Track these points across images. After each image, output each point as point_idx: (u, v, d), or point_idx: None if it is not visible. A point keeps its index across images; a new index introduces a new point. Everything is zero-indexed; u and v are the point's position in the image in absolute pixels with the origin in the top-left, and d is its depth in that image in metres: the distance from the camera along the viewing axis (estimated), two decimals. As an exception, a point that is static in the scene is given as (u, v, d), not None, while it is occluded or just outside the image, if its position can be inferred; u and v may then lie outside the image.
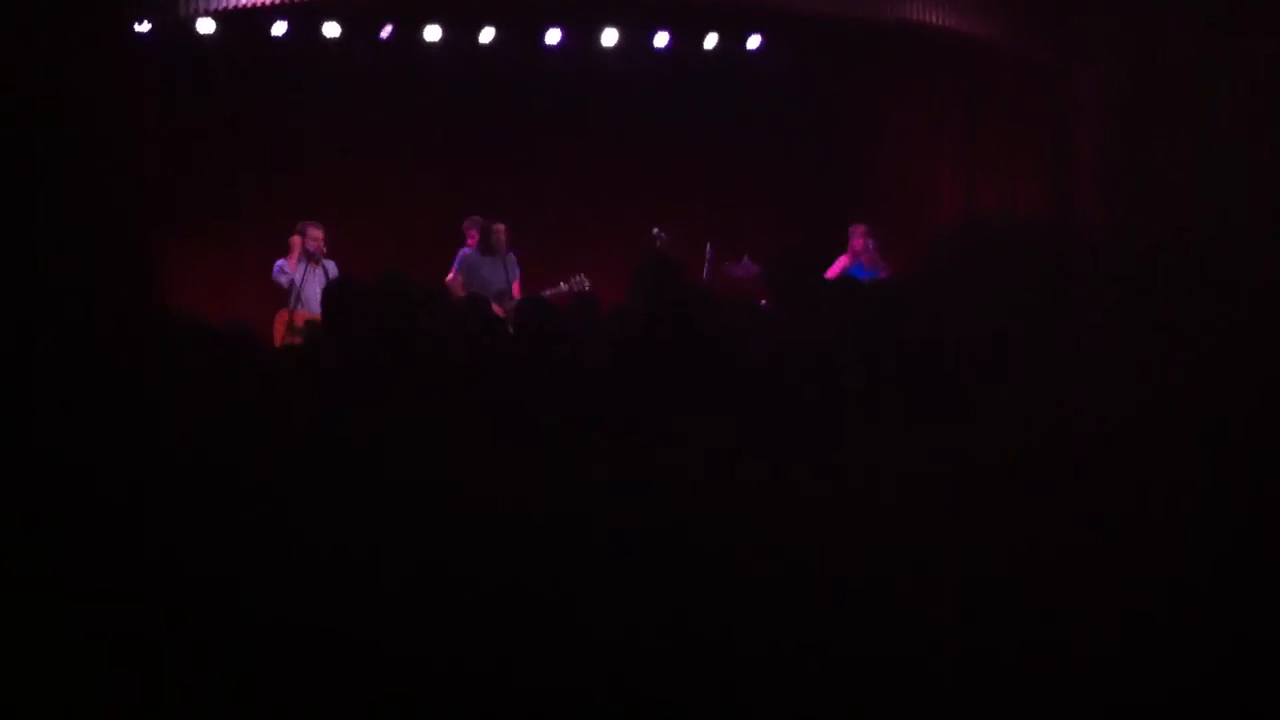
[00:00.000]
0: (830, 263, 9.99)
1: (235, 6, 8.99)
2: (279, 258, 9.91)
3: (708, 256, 10.72)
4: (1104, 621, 2.77)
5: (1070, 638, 2.76)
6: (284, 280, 9.83)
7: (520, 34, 11.29)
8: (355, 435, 2.87)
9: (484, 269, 9.92)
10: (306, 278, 9.65)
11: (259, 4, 9.04)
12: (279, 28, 10.48)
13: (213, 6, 8.97)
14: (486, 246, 9.99)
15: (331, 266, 9.72)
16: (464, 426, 3.05)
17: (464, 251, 10.12)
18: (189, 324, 3.57)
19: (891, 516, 2.86)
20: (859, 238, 10.04)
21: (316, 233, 9.85)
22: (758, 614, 2.77)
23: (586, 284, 9.72)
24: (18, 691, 2.63)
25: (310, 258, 9.74)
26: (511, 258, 10.08)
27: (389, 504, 2.75)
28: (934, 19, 9.88)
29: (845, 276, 9.11)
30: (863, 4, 9.85)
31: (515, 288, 9.94)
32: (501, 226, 10.12)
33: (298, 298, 9.66)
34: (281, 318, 9.74)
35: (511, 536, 2.80)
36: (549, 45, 11.39)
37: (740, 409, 3.13)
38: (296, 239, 9.86)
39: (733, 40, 11.82)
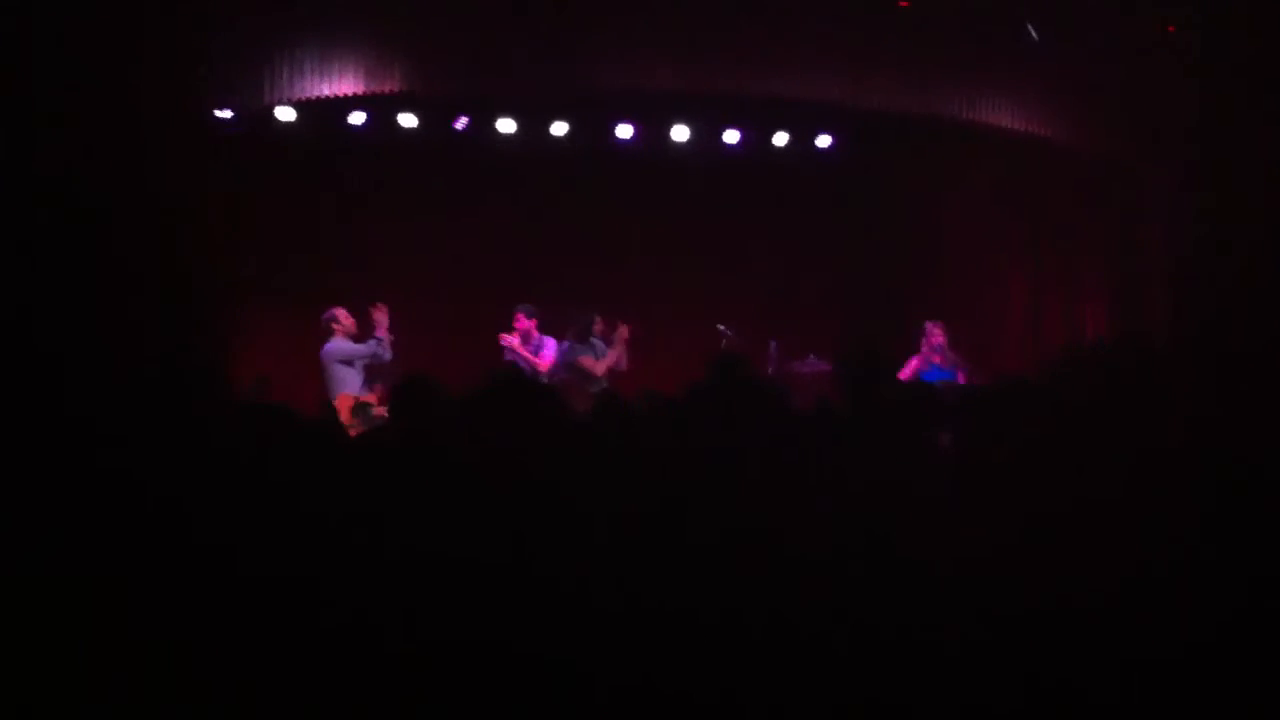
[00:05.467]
0: (900, 361, 9.87)
1: (316, 96, 9.15)
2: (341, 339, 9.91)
3: (772, 353, 10.70)
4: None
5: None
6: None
7: (592, 128, 11.40)
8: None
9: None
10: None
11: (339, 94, 9.18)
12: (357, 118, 10.64)
13: (294, 95, 9.14)
14: (583, 335, 10.01)
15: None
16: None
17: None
18: (282, 411, 3.57)
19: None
20: (936, 336, 9.87)
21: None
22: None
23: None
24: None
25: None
26: (600, 345, 10.08)
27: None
28: (1004, 121, 9.89)
29: (919, 379, 9.03)
30: (932, 103, 9.86)
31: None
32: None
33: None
34: (345, 402, 9.72)
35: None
36: (620, 139, 11.49)
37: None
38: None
39: (803, 138, 11.88)
